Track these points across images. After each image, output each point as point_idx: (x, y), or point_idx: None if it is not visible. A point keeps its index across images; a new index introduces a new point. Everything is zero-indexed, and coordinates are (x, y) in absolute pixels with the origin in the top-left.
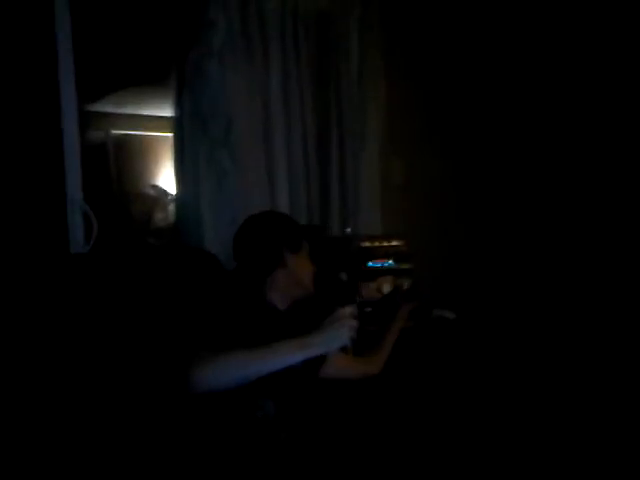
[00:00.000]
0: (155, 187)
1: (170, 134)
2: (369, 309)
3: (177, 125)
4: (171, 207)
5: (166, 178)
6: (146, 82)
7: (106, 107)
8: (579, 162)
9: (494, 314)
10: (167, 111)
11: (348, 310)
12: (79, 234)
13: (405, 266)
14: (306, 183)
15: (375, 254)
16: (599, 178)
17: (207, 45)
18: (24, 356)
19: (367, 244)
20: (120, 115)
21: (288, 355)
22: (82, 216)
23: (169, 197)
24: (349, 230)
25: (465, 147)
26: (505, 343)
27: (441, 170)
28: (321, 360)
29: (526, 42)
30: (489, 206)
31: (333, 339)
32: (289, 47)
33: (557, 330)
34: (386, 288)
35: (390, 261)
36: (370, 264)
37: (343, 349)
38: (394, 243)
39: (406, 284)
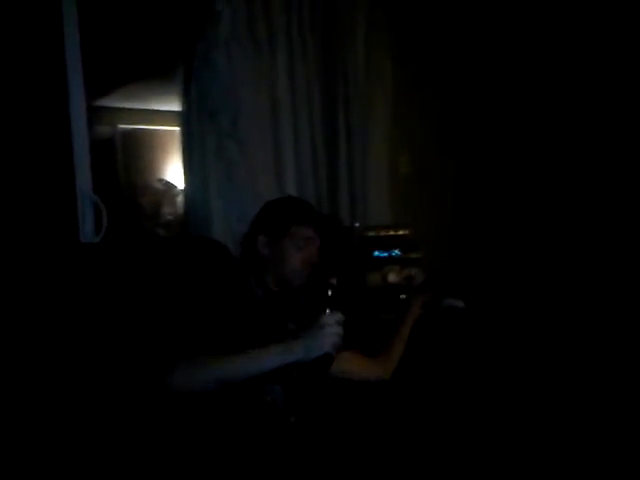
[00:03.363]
0: (162, 181)
1: (177, 128)
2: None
3: (185, 117)
4: (179, 200)
5: (173, 172)
6: (153, 76)
7: (113, 102)
8: (585, 155)
9: (503, 303)
10: (174, 105)
11: (332, 317)
12: (89, 224)
13: (414, 255)
14: (314, 174)
15: (381, 243)
16: (606, 168)
17: (214, 37)
18: (31, 344)
19: (372, 233)
20: (127, 110)
21: (266, 361)
22: (92, 207)
23: (176, 190)
24: (357, 224)
25: (473, 138)
26: (515, 332)
27: (449, 162)
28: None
29: (530, 40)
30: (497, 197)
31: (314, 347)
32: (295, 38)
33: (566, 320)
34: (392, 277)
35: (397, 250)
36: (376, 253)
37: (327, 356)
38: (401, 232)
39: (417, 274)
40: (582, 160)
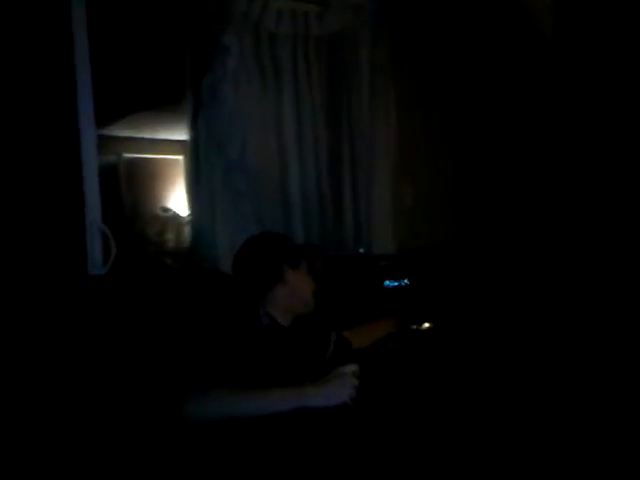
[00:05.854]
0: (166, 209)
1: (180, 157)
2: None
3: (192, 147)
4: (185, 229)
5: (176, 200)
6: (159, 106)
7: (118, 131)
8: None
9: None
10: (177, 134)
11: (351, 368)
12: (98, 255)
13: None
14: (319, 204)
15: (391, 273)
16: (611, 165)
17: (221, 69)
18: (40, 372)
19: (383, 263)
20: (131, 138)
21: (282, 402)
22: (101, 237)
23: (181, 219)
24: (362, 251)
25: (477, 165)
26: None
27: (453, 188)
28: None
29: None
30: (503, 224)
31: (332, 396)
32: (301, 69)
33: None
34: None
35: (406, 280)
36: (387, 283)
37: (342, 407)
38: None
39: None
40: (583, 172)
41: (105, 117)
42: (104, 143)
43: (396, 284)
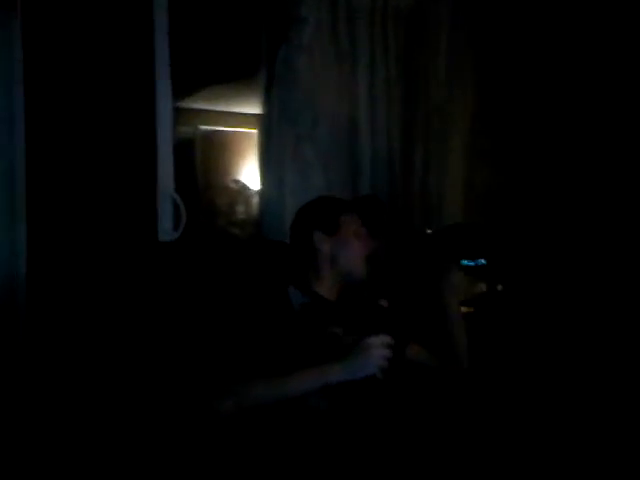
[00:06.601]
0: (237, 181)
1: (254, 130)
2: None
3: (265, 120)
4: (254, 201)
5: (248, 173)
6: (235, 79)
7: (195, 103)
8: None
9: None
10: (251, 108)
11: (379, 340)
12: (168, 222)
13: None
14: (388, 181)
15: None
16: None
17: (297, 42)
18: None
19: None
20: (208, 111)
21: (307, 383)
22: (172, 205)
23: (251, 191)
24: (430, 231)
25: (554, 153)
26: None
27: (526, 176)
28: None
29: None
30: (571, 214)
31: (357, 369)
32: (377, 44)
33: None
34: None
35: (483, 260)
36: (465, 262)
37: (372, 379)
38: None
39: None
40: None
41: (182, 89)
42: (181, 115)
43: (472, 264)
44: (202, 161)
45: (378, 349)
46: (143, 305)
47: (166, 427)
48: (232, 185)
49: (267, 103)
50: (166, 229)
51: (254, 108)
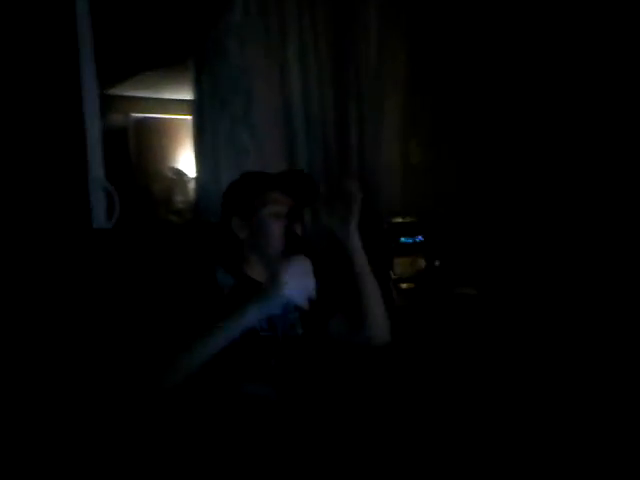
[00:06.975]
0: (173, 169)
1: (189, 117)
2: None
3: (197, 104)
4: (191, 187)
5: (185, 160)
6: (166, 64)
7: (127, 90)
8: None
9: (515, 291)
10: (184, 94)
11: (299, 267)
12: (101, 211)
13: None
14: (325, 161)
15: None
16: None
17: (226, 24)
18: (44, 327)
19: (399, 220)
20: (140, 98)
21: (230, 329)
22: (105, 194)
23: (187, 178)
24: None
25: (487, 126)
26: (527, 320)
27: (460, 149)
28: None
29: (535, 41)
30: (508, 186)
31: (269, 302)
32: (306, 24)
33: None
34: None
35: (420, 236)
36: (402, 240)
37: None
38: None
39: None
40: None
41: (111, 76)
42: (111, 103)
43: (410, 241)
44: (137, 149)
45: (283, 275)
46: (78, 291)
47: (111, 415)
48: (169, 172)
49: (198, 87)
50: (100, 218)
51: (187, 94)
